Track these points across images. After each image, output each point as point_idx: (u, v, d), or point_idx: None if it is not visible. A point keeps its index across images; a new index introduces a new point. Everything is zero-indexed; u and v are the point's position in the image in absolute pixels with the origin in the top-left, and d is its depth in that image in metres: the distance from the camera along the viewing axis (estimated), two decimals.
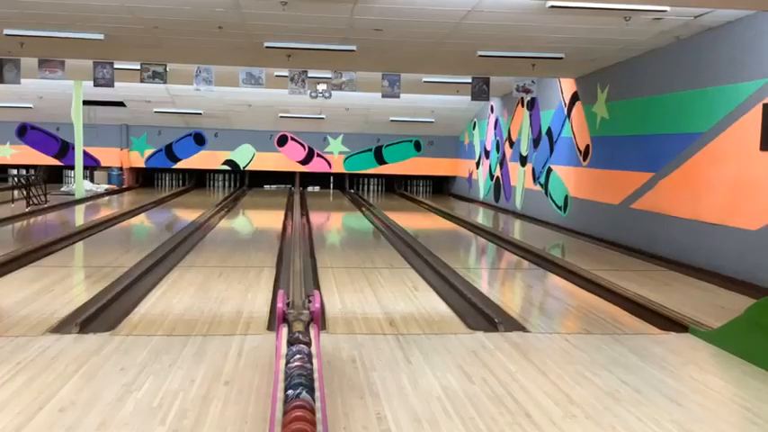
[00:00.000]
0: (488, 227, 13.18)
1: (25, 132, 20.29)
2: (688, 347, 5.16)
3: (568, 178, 12.86)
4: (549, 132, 13.92)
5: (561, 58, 10.41)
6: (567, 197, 12.92)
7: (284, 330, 4.46)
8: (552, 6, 7.45)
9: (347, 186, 22.26)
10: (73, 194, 17.28)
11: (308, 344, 4.11)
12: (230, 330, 5.28)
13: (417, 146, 21.43)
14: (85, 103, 17.37)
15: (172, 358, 4.53)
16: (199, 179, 22.14)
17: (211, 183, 22.48)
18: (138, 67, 11.78)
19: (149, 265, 7.82)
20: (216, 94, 17.04)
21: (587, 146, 12.03)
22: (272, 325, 5.35)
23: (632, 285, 7.20)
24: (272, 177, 21.96)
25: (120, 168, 20.82)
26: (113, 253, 8.87)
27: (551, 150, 13.75)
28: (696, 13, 7.72)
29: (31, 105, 18.93)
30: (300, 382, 3.40)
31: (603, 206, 11.31)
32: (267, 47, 9.97)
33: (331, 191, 22.24)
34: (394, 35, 9.21)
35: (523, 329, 5.52)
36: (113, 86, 11.85)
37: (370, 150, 21.37)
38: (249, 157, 21.08)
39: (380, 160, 21.44)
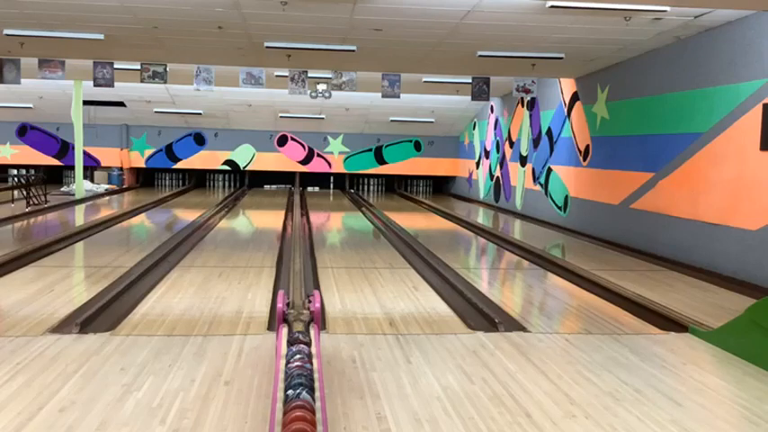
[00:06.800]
0: (488, 227, 13.17)
1: (25, 132, 20.29)
2: (688, 347, 5.16)
3: (568, 178, 12.87)
4: (549, 132, 13.92)
5: (561, 58, 10.41)
6: (567, 197, 12.92)
7: (284, 330, 4.47)
8: (552, 6, 7.45)
9: (347, 186, 22.28)
10: (73, 194, 17.28)
11: (308, 344, 4.11)
12: (230, 330, 5.28)
13: (417, 146, 21.44)
14: (85, 103, 17.38)
15: (172, 358, 4.53)
16: (199, 179, 22.15)
17: (211, 183, 22.49)
18: (138, 67, 11.78)
19: (149, 266, 7.82)
20: (216, 94, 17.06)
21: (587, 146, 12.03)
22: (272, 325, 5.35)
23: (632, 285, 7.21)
24: (273, 177, 21.97)
25: (121, 168, 20.83)
26: (113, 253, 8.87)
27: (551, 150, 13.75)
28: (696, 13, 7.72)
29: (31, 105, 18.94)
30: (300, 382, 3.40)
31: (603, 206, 11.32)
32: (267, 47, 9.98)
33: (331, 191, 22.25)
34: (394, 35, 9.21)
35: (523, 329, 5.52)
36: (113, 86, 11.85)
37: (370, 150, 21.37)
38: (249, 158, 21.08)
39: (380, 160, 21.45)
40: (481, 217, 15.32)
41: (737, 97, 7.79)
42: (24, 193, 14.49)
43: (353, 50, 10.11)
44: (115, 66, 11.61)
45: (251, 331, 5.26)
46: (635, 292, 6.86)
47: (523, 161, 15.42)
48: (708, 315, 6.01)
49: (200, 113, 19.49)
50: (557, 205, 13.41)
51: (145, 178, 22.04)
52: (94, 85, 11.83)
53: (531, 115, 15.04)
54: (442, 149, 21.48)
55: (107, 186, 20.00)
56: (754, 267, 7.39)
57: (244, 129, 20.73)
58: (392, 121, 19.97)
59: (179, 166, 21.13)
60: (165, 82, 12.02)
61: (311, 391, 3.37)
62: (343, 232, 13.20)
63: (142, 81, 11.90)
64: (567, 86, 12.99)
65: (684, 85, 8.96)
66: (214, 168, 21.45)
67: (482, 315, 5.95)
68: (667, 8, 7.42)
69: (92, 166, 20.35)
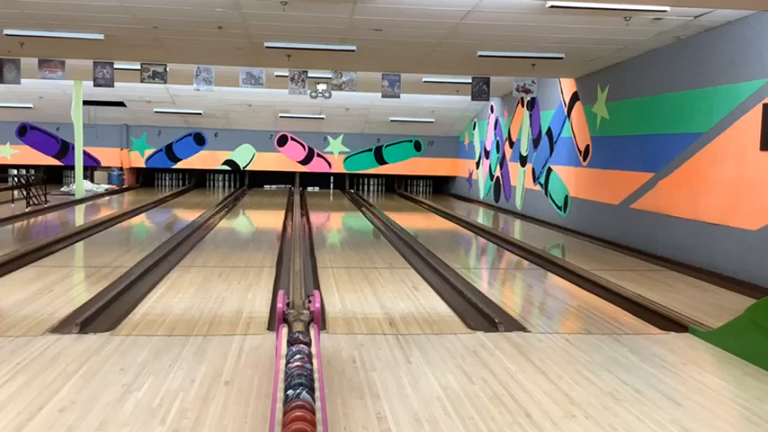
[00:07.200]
0: (488, 227, 13.18)
1: (25, 132, 20.29)
2: (688, 347, 5.16)
3: (568, 178, 12.87)
4: (549, 132, 13.92)
5: (561, 58, 10.41)
6: (567, 197, 12.92)
7: (284, 330, 4.47)
8: (552, 6, 7.45)
9: (347, 186, 22.28)
10: (73, 194, 17.28)
11: (308, 344, 4.11)
12: (230, 330, 5.28)
13: (417, 146, 21.44)
14: (85, 103, 17.38)
15: (172, 358, 4.53)
16: (199, 179, 22.15)
17: (211, 183, 22.49)
18: (138, 67, 11.78)
19: (149, 266, 7.82)
20: (216, 94, 17.06)
21: (587, 146, 12.03)
22: (272, 325, 5.35)
23: (632, 285, 7.21)
24: (273, 177, 21.96)
25: (121, 168, 20.82)
26: (113, 253, 8.87)
27: (551, 150, 13.75)
28: (696, 13, 7.72)
29: (31, 105, 18.94)
30: (300, 382, 3.40)
31: (603, 206, 11.32)
32: (267, 47, 9.98)
33: (331, 191, 22.25)
34: (394, 35, 9.21)
35: (523, 329, 5.52)
36: (113, 86, 11.85)
37: (370, 150, 21.37)
38: (249, 158, 21.09)
39: (380, 160, 21.45)
40: (481, 217, 15.32)
41: (737, 97, 7.79)
42: (24, 193, 14.49)
43: (353, 50, 10.11)
44: (115, 66, 11.61)
45: (251, 331, 5.26)
46: (635, 292, 6.86)
47: (523, 161, 15.42)
48: (708, 315, 6.01)
49: (200, 113, 19.49)
50: (557, 205, 13.41)
51: (145, 178, 22.04)
52: (94, 85, 11.83)
53: (531, 115, 15.03)
54: (442, 149, 21.48)
55: (107, 186, 20.00)
56: (754, 267, 7.39)
57: (244, 129, 20.73)
58: (392, 121, 19.97)
59: (179, 166, 21.13)
60: (165, 82, 12.02)
61: (311, 391, 3.37)
62: (343, 232, 13.20)
63: (142, 81, 11.90)
64: (567, 86, 12.99)
65: (684, 86, 8.96)
66: (214, 168, 21.44)
67: (482, 315, 5.95)
68: (667, 8, 7.42)
69: (92, 166, 20.35)
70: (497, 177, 17.33)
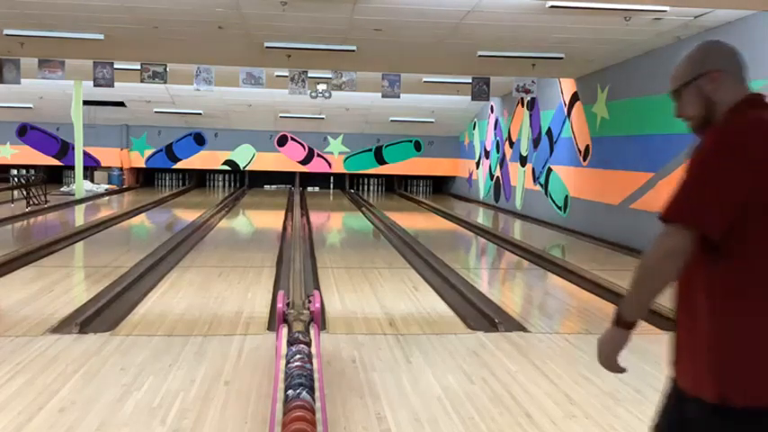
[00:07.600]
0: (488, 227, 13.17)
1: (25, 132, 20.29)
2: None
3: (568, 178, 12.86)
4: (548, 132, 13.92)
5: (561, 58, 10.41)
6: (567, 197, 12.92)
7: (284, 330, 4.47)
8: (552, 6, 7.46)
9: (347, 186, 22.27)
10: (73, 194, 17.28)
11: (308, 344, 4.11)
12: (230, 330, 5.28)
13: (417, 146, 21.44)
14: (85, 103, 17.37)
15: (172, 358, 4.53)
16: (199, 179, 22.14)
17: (211, 183, 22.48)
18: (138, 67, 11.78)
19: (149, 265, 7.82)
20: (216, 94, 17.05)
21: (587, 146, 12.03)
22: (272, 325, 5.35)
23: None
24: (273, 177, 21.96)
25: (121, 168, 20.82)
26: (113, 253, 8.87)
27: (551, 150, 13.75)
28: (696, 13, 7.72)
29: (31, 105, 18.93)
30: (300, 382, 3.41)
31: (603, 206, 11.31)
32: (267, 47, 9.98)
33: (331, 191, 22.25)
34: (394, 35, 9.21)
35: (523, 329, 5.52)
36: (113, 86, 11.85)
37: (370, 150, 21.37)
38: (249, 158, 21.08)
39: (380, 160, 21.44)
40: (481, 217, 15.31)
41: None
42: (24, 193, 14.49)
43: (353, 50, 10.11)
44: (115, 66, 11.60)
45: (251, 331, 5.26)
46: None
47: (523, 161, 15.42)
48: None
49: (200, 113, 19.49)
50: (557, 205, 13.41)
51: (145, 178, 22.03)
52: (94, 85, 11.83)
53: (531, 115, 15.03)
54: (442, 149, 21.48)
55: (107, 186, 19.99)
56: None
57: (244, 129, 20.72)
58: (392, 121, 19.96)
59: (179, 166, 21.13)
60: (165, 82, 12.02)
61: (311, 391, 3.37)
62: (343, 232, 13.20)
63: (142, 81, 11.90)
64: (567, 86, 12.99)
65: None
66: (214, 168, 21.44)
67: (482, 315, 5.95)
68: (667, 8, 7.42)
69: (92, 166, 20.33)
70: (497, 177, 17.33)
